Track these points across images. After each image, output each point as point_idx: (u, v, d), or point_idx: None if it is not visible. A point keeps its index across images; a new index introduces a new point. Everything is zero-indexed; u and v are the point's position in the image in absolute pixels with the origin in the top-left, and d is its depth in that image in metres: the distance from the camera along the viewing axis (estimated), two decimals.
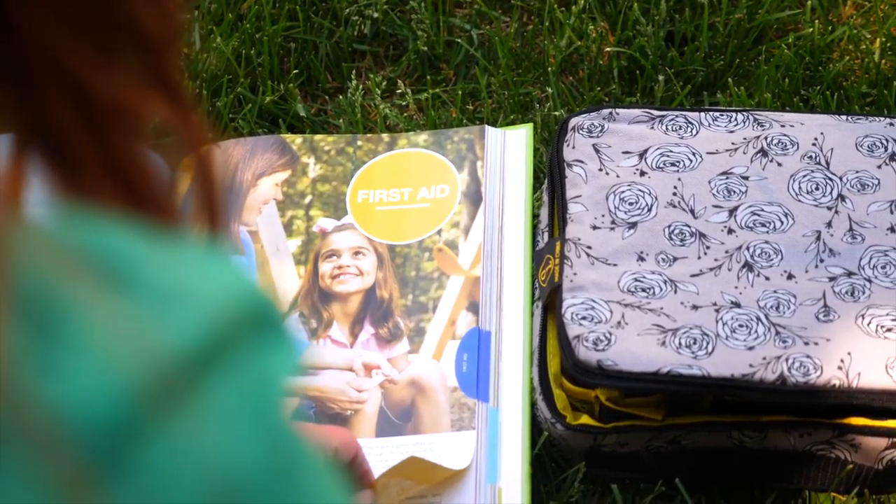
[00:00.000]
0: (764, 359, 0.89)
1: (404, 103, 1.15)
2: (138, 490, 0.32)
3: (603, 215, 0.98)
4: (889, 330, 0.91)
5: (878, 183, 0.99)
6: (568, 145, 1.02)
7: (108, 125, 0.36)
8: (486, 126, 1.09)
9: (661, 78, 1.13)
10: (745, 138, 1.01)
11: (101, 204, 0.36)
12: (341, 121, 1.14)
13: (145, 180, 0.37)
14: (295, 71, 1.16)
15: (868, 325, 0.91)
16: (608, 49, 1.16)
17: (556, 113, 1.12)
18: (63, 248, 0.33)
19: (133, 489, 0.32)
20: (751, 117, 1.02)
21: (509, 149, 1.08)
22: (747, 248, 0.96)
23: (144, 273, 0.34)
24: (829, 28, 1.17)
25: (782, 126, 1.02)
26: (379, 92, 1.14)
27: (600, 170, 1.00)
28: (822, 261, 0.95)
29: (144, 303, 0.33)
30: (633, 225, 0.97)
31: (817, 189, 0.99)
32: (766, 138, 1.01)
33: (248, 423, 0.34)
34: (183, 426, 0.33)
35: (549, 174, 1.02)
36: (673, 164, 1.00)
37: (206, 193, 0.39)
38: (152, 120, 0.37)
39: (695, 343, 0.90)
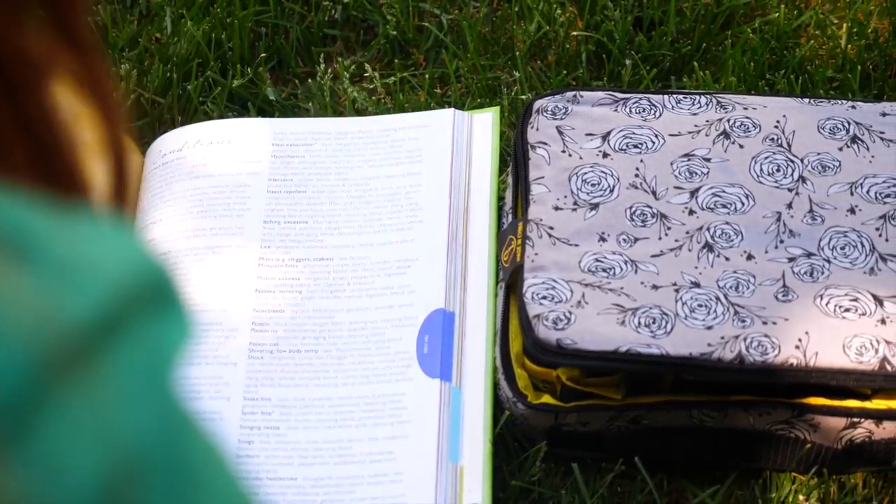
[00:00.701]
0: (722, 338, 0.90)
1: (373, 87, 1.15)
2: (38, 460, 0.33)
3: (565, 196, 0.98)
4: (847, 310, 0.91)
5: (839, 165, 0.99)
6: (532, 127, 1.02)
7: (15, 80, 0.36)
8: (453, 109, 1.10)
9: (628, 62, 1.13)
10: (707, 121, 1.02)
11: (9, 167, 0.36)
12: (311, 104, 1.14)
13: (54, 138, 0.37)
14: (265, 55, 1.17)
15: (826, 304, 0.92)
16: (576, 34, 1.17)
17: (524, 97, 1.12)
18: None
19: (32, 459, 0.32)
20: (714, 100, 1.03)
21: (476, 132, 1.09)
22: (708, 229, 0.96)
23: (44, 244, 0.34)
24: (796, 13, 1.18)
25: (745, 108, 1.02)
26: (348, 76, 1.15)
27: (563, 151, 1.01)
28: (781, 241, 0.95)
29: (43, 274, 0.33)
30: (594, 206, 0.98)
31: (778, 171, 0.99)
32: (728, 120, 1.02)
33: (144, 393, 0.34)
34: (82, 396, 0.33)
35: (514, 156, 1.03)
36: (636, 146, 1.01)
37: (113, 163, 0.40)
38: (61, 74, 0.37)
39: (654, 322, 0.91)
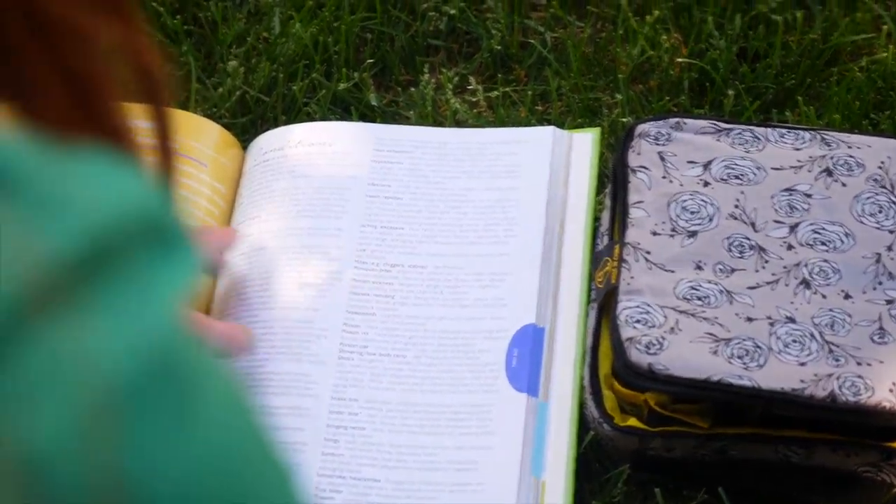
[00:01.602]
0: (815, 375, 0.90)
1: (475, 100, 1.16)
2: (13, 393, 0.32)
3: (664, 222, 0.99)
4: None
5: None
6: (633, 151, 1.03)
7: (62, 45, 0.36)
8: (553, 127, 1.10)
9: (730, 92, 1.14)
10: (810, 157, 1.02)
11: (57, 125, 0.36)
12: (412, 113, 1.15)
13: (101, 98, 0.37)
14: (370, 61, 1.18)
15: None
16: (680, 60, 1.17)
17: (624, 119, 1.13)
18: None
19: (9, 393, 0.32)
20: (818, 136, 1.03)
21: (575, 151, 1.09)
22: (805, 265, 0.96)
23: (32, 182, 0.34)
24: None
25: (849, 147, 1.02)
26: (451, 87, 1.16)
27: (664, 177, 1.01)
28: (880, 283, 0.95)
29: (29, 210, 0.33)
30: (693, 234, 0.98)
31: (880, 212, 0.99)
32: (831, 158, 1.02)
33: (132, 331, 0.34)
34: (62, 332, 0.33)
35: (613, 178, 1.03)
36: (737, 177, 1.01)
37: (155, 118, 0.40)
38: (106, 42, 0.38)
39: (747, 354, 0.91)
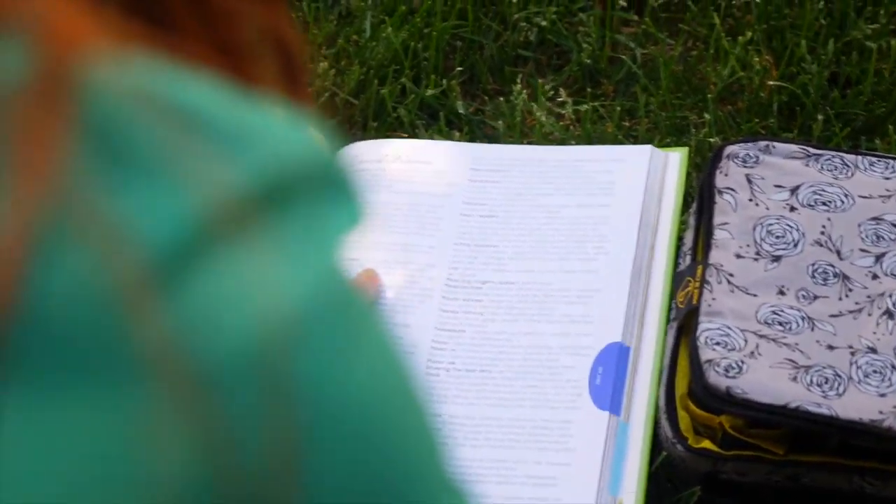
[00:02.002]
0: (894, 407, 0.89)
1: (563, 112, 1.16)
2: (192, 310, 0.33)
3: (748, 245, 0.98)
4: None
5: None
6: (721, 172, 1.02)
7: (217, 22, 0.38)
8: (651, 147, 1.10)
9: (820, 117, 1.13)
10: None
11: (199, 63, 0.37)
12: (499, 122, 1.15)
13: (238, 37, 0.39)
14: (459, 68, 1.18)
15: None
16: (770, 83, 1.16)
17: (712, 140, 1.12)
18: (141, 90, 0.35)
19: (188, 308, 0.33)
20: None
21: (668, 170, 1.09)
22: (890, 296, 0.95)
23: (222, 121, 0.35)
24: None
25: None
26: (545, 99, 1.16)
27: (750, 200, 1.01)
28: None
29: (214, 143, 0.35)
30: (777, 258, 0.98)
31: None
32: None
33: (302, 265, 0.35)
34: (245, 255, 0.34)
35: (699, 198, 1.03)
36: (824, 204, 1.00)
37: (287, 65, 0.41)
38: (254, 24, 0.39)
39: (826, 382, 0.91)
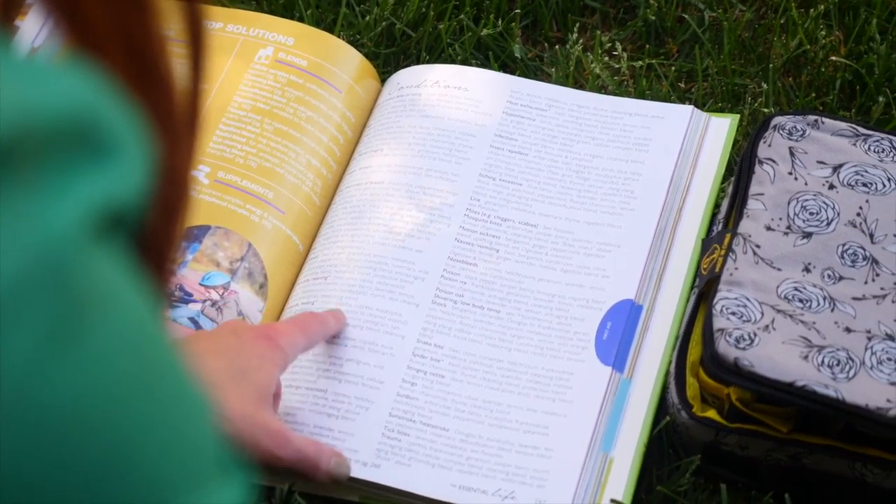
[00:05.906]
0: None
1: (618, 66, 1.15)
2: None
3: (780, 218, 0.96)
4: None
5: None
6: (764, 142, 1.00)
7: None
8: (692, 107, 1.08)
9: (881, 99, 1.10)
10: None
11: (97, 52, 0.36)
12: (553, 70, 1.14)
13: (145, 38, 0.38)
14: (520, 11, 1.17)
15: None
16: (835, 59, 1.14)
17: (766, 110, 1.10)
18: None
19: None
20: None
21: (710, 135, 1.07)
22: None
23: None
24: None
25: None
26: (601, 51, 1.14)
27: (790, 173, 0.99)
28: None
29: None
30: (807, 235, 0.96)
31: None
32: None
33: (23, 232, 0.32)
34: None
35: (739, 166, 1.01)
36: (864, 185, 0.98)
37: (194, 54, 0.40)
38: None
39: (837, 364, 0.89)
